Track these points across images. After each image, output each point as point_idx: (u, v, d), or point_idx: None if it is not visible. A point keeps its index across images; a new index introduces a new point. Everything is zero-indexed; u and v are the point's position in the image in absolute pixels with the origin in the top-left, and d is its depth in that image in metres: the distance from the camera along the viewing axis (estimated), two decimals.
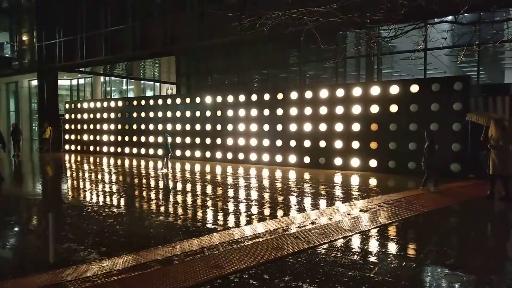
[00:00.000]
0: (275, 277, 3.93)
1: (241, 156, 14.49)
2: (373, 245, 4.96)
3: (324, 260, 4.36)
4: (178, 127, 16.21)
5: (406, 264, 4.26)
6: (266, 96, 13.93)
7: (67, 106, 21.46)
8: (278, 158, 13.62)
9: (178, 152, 15.94)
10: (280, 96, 13.62)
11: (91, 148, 19.59)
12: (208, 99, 15.38)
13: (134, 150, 17.70)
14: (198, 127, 15.62)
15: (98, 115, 19.36)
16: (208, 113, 15.36)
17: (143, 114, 17.46)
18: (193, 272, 3.99)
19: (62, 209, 7.69)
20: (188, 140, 15.95)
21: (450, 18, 9.19)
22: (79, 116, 20.23)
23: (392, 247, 4.89)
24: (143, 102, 17.69)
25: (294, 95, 13.32)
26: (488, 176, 7.88)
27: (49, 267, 4.25)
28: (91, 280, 3.81)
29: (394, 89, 11.52)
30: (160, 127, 16.69)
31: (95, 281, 3.78)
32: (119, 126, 18.37)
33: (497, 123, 7.55)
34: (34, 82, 29.74)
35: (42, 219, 6.81)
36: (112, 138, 18.70)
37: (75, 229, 6.02)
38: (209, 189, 9.38)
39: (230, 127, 14.76)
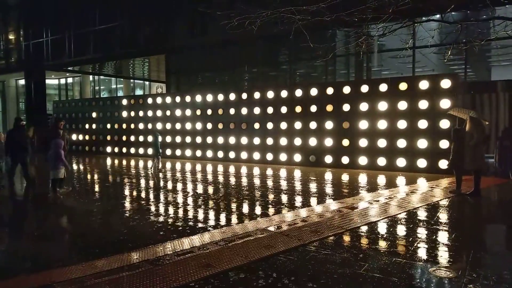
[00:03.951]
0: (267, 275, 3.94)
1: (232, 154, 14.48)
2: None
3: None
4: (168, 126, 16.13)
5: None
6: (256, 95, 13.93)
7: (55, 105, 21.18)
8: (269, 156, 13.64)
9: (168, 151, 15.87)
10: (270, 94, 13.63)
11: (80, 147, 19.38)
12: (198, 98, 15.33)
13: (124, 150, 17.56)
14: (188, 126, 15.56)
15: (86, 115, 19.15)
16: (198, 112, 15.31)
17: (132, 113, 17.33)
18: (183, 272, 3.98)
19: (46, 208, 7.60)
20: (178, 139, 15.88)
21: (437, 16, 9.29)
22: (67, 115, 19.99)
23: None
24: (132, 101, 17.56)
25: (284, 93, 13.35)
26: (456, 171, 8.06)
27: (36, 268, 4.19)
28: (80, 281, 3.77)
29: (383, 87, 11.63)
30: (150, 126, 16.59)
31: (85, 282, 3.75)
32: (108, 126, 18.20)
33: (472, 119, 7.64)
34: (22, 82, 29.28)
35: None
36: (101, 137, 18.52)
37: (63, 230, 5.95)
38: (199, 188, 9.35)
39: (220, 125, 14.73)
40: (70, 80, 30.56)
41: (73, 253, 4.82)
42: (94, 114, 18.82)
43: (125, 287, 3.64)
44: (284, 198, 7.97)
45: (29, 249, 5.11)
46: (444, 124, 10.64)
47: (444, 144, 10.63)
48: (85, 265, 4.21)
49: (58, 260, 4.49)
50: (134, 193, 8.94)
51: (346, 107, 12.13)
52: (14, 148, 9.33)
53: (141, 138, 17.01)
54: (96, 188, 9.86)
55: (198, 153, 15.36)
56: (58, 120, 9.54)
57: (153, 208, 7.19)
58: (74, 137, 19.33)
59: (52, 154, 8.20)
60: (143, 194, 8.61)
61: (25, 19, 25.96)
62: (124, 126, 17.56)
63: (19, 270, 4.25)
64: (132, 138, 17.30)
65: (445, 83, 10.69)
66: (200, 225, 5.97)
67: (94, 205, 7.64)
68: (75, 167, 13.97)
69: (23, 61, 26.04)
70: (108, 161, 15.75)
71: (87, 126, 19.04)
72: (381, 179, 10.19)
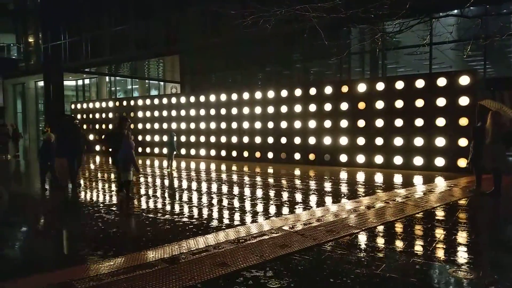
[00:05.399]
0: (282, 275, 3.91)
1: (245, 153, 14.49)
2: None
3: None
4: (183, 125, 16.24)
5: None
6: (270, 94, 13.90)
7: (73, 106, 21.59)
8: (283, 155, 13.59)
9: (183, 151, 15.98)
10: (284, 93, 13.58)
11: (97, 148, 19.69)
12: (212, 97, 15.39)
13: (140, 149, 17.77)
14: (202, 125, 15.63)
15: (103, 115, 19.45)
16: (212, 111, 15.36)
17: (148, 113, 17.52)
18: (199, 270, 3.99)
19: (64, 208, 7.74)
20: (192, 138, 15.98)
21: (455, 11, 9.09)
22: (85, 116, 20.34)
23: None
24: (148, 102, 17.74)
25: (298, 92, 13.28)
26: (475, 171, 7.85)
27: (55, 265, 4.27)
28: (98, 279, 3.82)
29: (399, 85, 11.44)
30: (165, 126, 16.73)
31: (102, 280, 3.80)
32: (138, 126, 18.44)
33: (492, 116, 7.37)
34: (41, 83, 29.96)
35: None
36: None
37: (79, 228, 6.05)
38: (214, 187, 9.38)
39: (234, 124, 14.75)
40: (87, 81, 31.12)
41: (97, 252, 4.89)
42: (110, 115, 19.10)
43: (140, 285, 3.67)
44: (299, 197, 7.91)
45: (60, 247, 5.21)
46: (463, 121, 10.39)
47: (463, 142, 10.39)
48: (102, 263, 4.27)
49: (80, 257, 4.56)
50: (150, 191, 9.02)
51: (361, 105, 11.98)
52: (69, 148, 8.91)
53: (156, 138, 17.18)
54: (113, 187, 9.99)
55: (212, 152, 15.42)
56: (124, 120, 8.67)
57: (168, 207, 7.24)
58: (91, 137, 19.66)
59: (122, 155, 7.73)
60: (158, 193, 8.68)
61: (43, 23, 26.55)
62: (140, 126, 17.77)
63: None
64: (148, 137, 17.49)
65: (464, 80, 10.44)
66: (214, 223, 5.98)
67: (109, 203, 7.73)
68: (92, 166, 14.19)
69: (42, 63, 26.63)
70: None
71: (104, 126, 19.33)
72: (398, 178, 10.03)
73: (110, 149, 8.65)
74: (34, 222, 6.78)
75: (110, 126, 19.04)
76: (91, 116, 20.03)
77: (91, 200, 8.28)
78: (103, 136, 17.78)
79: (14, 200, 8.84)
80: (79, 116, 20.55)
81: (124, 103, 18.78)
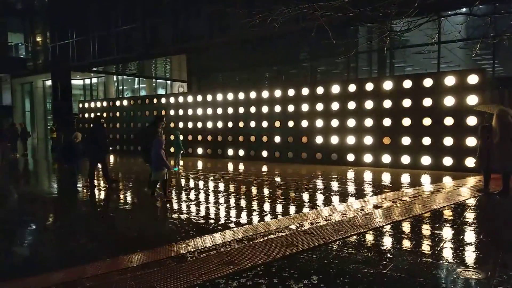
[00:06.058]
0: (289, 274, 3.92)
1: (252, 153, 14.50)
2: None
3: None
4: (190, 124, 16.29)
5: None
6: (277, 93, 13.88)
7: (80, 105, 21.76)
8: (290, 154, 13.59)
9: (190, 150, 16.03)
10: (291, 92, 13.56)
11: (118, 147, 19.75)
12: (219, 96, 15.41)
13: None
14: (209, 124, 15.67)
15: (111, 114, 19.57)
16: (219, 111, 15.39)
17: (155, 113, 17.59)
18: (206, 269, 4.01)
19: (78, 207, 7.82)
20: (199, 137, 16.02)
21: (464, 10, 9.00)
22: (92, 115, 20.49)
23: None
24: (155, 101, 17.82)
25: (305, 91, 13.25)
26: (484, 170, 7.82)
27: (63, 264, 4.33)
28: (107, 277, 3.86)
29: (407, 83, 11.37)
30: (172, 125, 16.79)
31: (110, 278, 3.83)
32: (132, 125, 18.55)
33: (498, 115, 7.31)
34: (49, 82, 30.22)
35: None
36: (124, 136, 18.89)
37: (92, 226, 6.10)
38: (221, 186, 9.41)
39: (241, 124, 14.76)
40: (94, 80, 31.34)
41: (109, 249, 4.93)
42: (117, 113, 19.21)
43: (148, 283, 3.70)
44: (306, 196, 7.91)
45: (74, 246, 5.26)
46: (471, 121, 10.31)
47: (471, 141, 10.30)
48: (111, 261, 4.31)
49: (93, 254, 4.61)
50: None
51: (369, 104, 11.92)
52: (93, 148, 8.64)
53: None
54: (120, 186, 10.06)
55: (219, 151, 15.45)
56: (159, 119, 8.49)
57: (175, 206, 7.28)
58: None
59: (153, 154, 7.56)
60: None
61: (51, 22, 26.78)
62: (147, 125, 17.82)
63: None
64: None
65: (472, 79, 10.35)
66: (221, 222, 6.00)
67: (119, 200, 7.79)
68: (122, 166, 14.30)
69: (50, 62, 26.86)
70: (131, 160, 16.04)
71: (111, 125, 19.46)
72: (405, 178, 9.97)
73: (142, 148, 8.61)
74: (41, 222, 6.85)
75: (117, 125, 19.16)
76: (98, 115, 20.15)
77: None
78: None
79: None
80: (86, 115, 20.70)
81: (132, 102, 18.88)
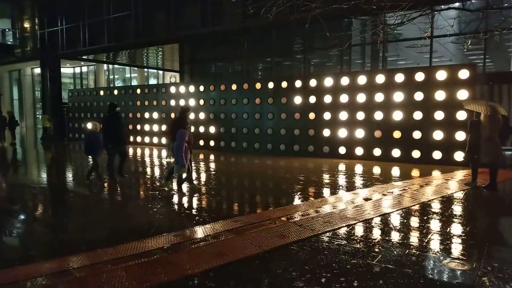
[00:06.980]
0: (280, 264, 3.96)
1: (244, 145, 14.50)
2: None
3: None
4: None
5: None
6: (270, 85, 13.85)
7: (70, 94, 21.45)
8: (282, 147, 13.62)
9: None
10: (284, 84, 13.53)
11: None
12: (212, 87, 15.32)
13: (138, 139, 17.73)
14: (202, 115, 15.59)
15: (101, 103, 19.34)
16: (211, 102, 15.31)
17: (146, 103, 17.44)
18: (197, 260, 4.03)
19: (78, 198, 7.77)
20: (192, 129, 15.93)
21: (457, 4, 9.04)
22: (82, 104, 20.24)
23: None
24: (146, 90, 17.64)
25: (298, 83, 13.24)
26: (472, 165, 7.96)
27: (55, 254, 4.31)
28: (96, 267, 3.86)
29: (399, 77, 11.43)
30: (163, 115, 16.66)
31: (100, 268, 3.83)
32: (123, 115, 18.34)
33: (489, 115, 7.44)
34: (37, 70, 29.66)
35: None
36: (88, 125, 18.63)
37: (84, 219, 6.07)
38: (212, 178, 9.41)
39: (234, 116, 14.71)
40: (84, 69, 30.86)
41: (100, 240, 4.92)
42: (108, 103, 18.96)
43: (139, 274, 3.71)
44: (297, 188, 7.96)
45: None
46: (461, 115, 10.42)
47: (460, 136, 10.44)
48: (100, 251, 4.30)
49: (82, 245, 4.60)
50: (148, 182, 9.04)
51: (361, 98, 11.96)
52: (110, 139, 8.17)
53: (155, 128, 17.12)
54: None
55: (212, 143, 15.41)
56: (186, 110, 7.99)
57: (165, 196, 7.27)
58: (89, 126, 19.56)
59: (175, 146, 7.19)
60: (158, 183, 8.69)
61: (40, 8, 26.17)
62: (138, 115, 17.69)
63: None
64: (147, 127, 17.42)
65: (463, 74, 10.45)
66: (213, 214, 6.02)
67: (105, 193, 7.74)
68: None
69: (38, 49, 26.32)
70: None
71: (101, 115, 19.25)
72: (395, 171, 10.09)
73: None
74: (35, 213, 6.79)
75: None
76: (88, 104, 19.92)
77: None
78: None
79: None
80: (76, 104, 20.45)
81: (122, 91, 18.68)
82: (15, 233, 5.42)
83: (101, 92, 19.66)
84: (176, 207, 6.60)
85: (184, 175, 7.39)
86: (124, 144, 8.76)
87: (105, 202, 7.29)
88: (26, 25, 30.13)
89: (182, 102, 16.07)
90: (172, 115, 16.29)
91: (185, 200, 6.97)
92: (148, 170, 10.81)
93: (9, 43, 31.34)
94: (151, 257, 4.08)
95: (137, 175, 9.82)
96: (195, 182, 8.04)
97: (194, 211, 6.21)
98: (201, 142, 15.55)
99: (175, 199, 7.05)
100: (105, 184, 8.42)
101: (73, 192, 8.23)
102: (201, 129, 15.60)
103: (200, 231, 4.97)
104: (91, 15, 22.23)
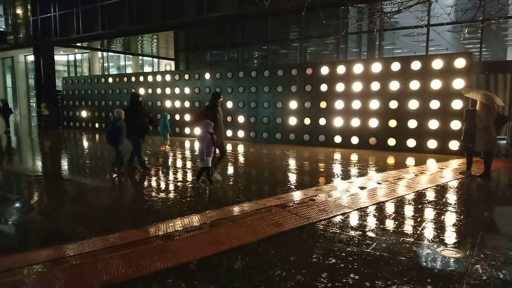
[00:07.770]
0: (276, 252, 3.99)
1: (240, 133, 14.48)
2: None
3: None
4: (177, 104, 16.09)
5: None
6: (266, 73, 13.77)
7: (64, 82, 21.22)
8: (278, 135, 13.62)
9: (177, 129, 15.89)
10: (280, 72, 13.46)
11: (90, 124, 19.50)
12: (207, 75, 15.21)
13: None
14: (197, 104, 15.51)
15: (96, 91, 19.17)
16: (207, 90, 15.21)
17: (141, 91, 17.29)
18: (194, 248, 4.05)
19: (73, 187, 7.75)
20: (187, 117, 15.87)
21: None
22: (76, 92, 20.04)
23: None
24: (141, 78, 17.49)
25: (294, 72, 13.18)
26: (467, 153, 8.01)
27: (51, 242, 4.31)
28: (93, 255, 3.87)
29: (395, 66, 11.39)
30: (158, 104, 16.55)
31: (97, 256, 3.84)
32: (117, 103, 18.23)
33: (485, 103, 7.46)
34: (31, 57, 29.24)
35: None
36: (111, 114, 18.56)
37: (81, 205, 6.06)
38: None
39: (230, 104, 14.66)
40: (79, 56, 30.47)
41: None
42: (103, 91, 18.82)
43: (135, 261, 3.73)
44: (292, 177, 7.99)
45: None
46: (457, 104, 10.45)
47: (455, 125, 10.47)
48: (97, 239, 4.31)
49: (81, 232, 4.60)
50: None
51: (357, 87, 11.94)
52: (135, 129, 7.93)
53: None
54: (102, 164, 9.96)
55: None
56: (217, 97, 7.62)
57: (163, 185, 7.27)
58: (83, 114, 19.45)
59: (199, 137, 6.83)
60: (152, 171, 8.68)
61: None
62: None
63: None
64: None
65: (459, 63, 10.44)
66: (209, 202, 6.03)
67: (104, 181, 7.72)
68: (86, 144, 14.09)
69: (32, 36, 25.90)
70: None
71: (96, 103, 19.10)
72: (391, 160, 10.14)
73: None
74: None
75: (103, 103, 18.80)
76: (83, 92, 19.73)
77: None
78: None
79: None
80: (70, 92, 20.24)
81: (117, 79, 18.50)
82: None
83: (96, 80, 19.47)
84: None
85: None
86: (144, 134, 8.34)
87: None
88: (19, 11, 29.60)
89: (177, 91, 15.97)
90: (169, 103, 16.20)
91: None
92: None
93: (1, 29, 30.80)
94: (148, 245, 4.09)
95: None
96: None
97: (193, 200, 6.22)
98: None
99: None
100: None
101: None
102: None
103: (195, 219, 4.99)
104: (85, 2, 21.85)
